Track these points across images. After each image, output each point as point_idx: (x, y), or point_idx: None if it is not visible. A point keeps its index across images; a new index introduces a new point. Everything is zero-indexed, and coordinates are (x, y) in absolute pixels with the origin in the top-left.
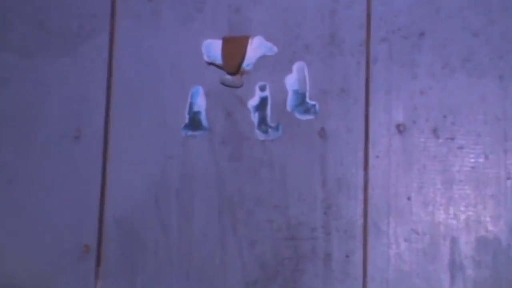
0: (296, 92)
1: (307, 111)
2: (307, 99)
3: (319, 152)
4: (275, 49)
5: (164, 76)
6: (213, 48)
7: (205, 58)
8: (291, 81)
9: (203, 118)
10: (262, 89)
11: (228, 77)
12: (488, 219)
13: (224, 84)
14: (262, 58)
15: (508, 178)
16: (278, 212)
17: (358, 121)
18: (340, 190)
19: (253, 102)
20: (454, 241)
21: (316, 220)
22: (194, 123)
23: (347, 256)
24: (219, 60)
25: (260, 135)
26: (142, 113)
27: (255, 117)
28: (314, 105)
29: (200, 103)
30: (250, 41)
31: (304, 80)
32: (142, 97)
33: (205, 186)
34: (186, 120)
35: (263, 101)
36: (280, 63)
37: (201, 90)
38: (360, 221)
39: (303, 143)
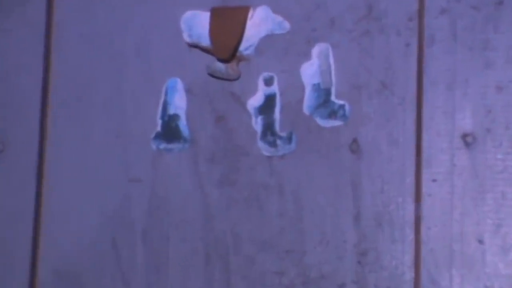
0: (317, 88)
1: (332, 114)
2: (333, 98)
3: (350, 174)
4: (287, 25)
5: (126, 63)
6: (198, 24)
7: (186, 37)
8: (310, 72)
9: (182, 124)
10: (268, 83)
11: (219, 65)
12: None
13: (213, 75)
14: (268, 39)
15: None
16: (291, 261)
17: (407, 129)
18: (380, 229)
19: (255, 101)
20: None
21: (345, 272)
22: (169, 131)
23: None
24: (206, 41)
25: (265, 149)
26: (93, 117)
27: (257, 124)
28: (342, 106)
29: (179, 103)
30: (250, 13)
31: (329, 70)
32: (93, 94)
33: (185, 223)
34: (158, 128)
35: (270, 101)
36: (294, 45)
37: (179, 84)
38: (409, 275)
39: (327, 161)
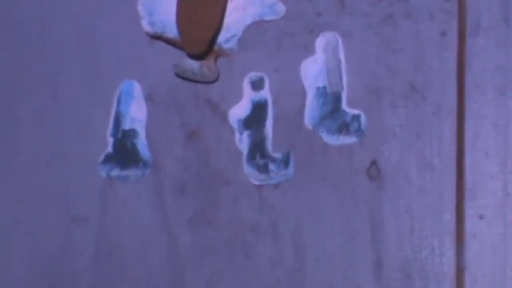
0: (322, 92)
1: (344, 128)
2: (344, 106)
3: (368, 208)
4: (281, 8)
5: (63, 62)
6: (161, 8)
7: (145, 26)
8: (312, 71)
9: (141, 143)
10: (257, 86)
11: (191, 63)
12: None
13: (182, 76)
14: (257, 27)
15: None
16: None
17: (444, 148)
18: (409, 283)
19: (239, 111)
20: None
21: None
22: (124, 153)
23: None
24: (172, 31)
25: (253, 177)
26: (20, 134)
27: (243, 142)
28: (357, 117)
29: (136, 115)
30: None
31: (338, 68)
32: (21, 103)
33: (145, 276)
34: (109, 148)
35: (259, 110)
36: (291, 36)
37: (137, 90)
38: None
39: (337, 191)
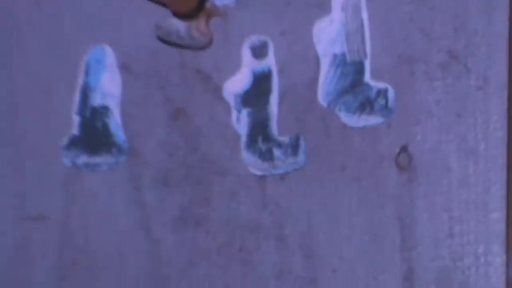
0: (341, 61)
1: (367, 106)
2: (367, 78)
3: (396, 205)
4: None
5: (16, 23)
6: None
7: None
8: (328, 35)
9: (114, 124)
10: (259, 53)
11: (176, 23)
12: None
13: (166, 40)
14: None
15: None
16: None
17: (492, 131)
18: None
19: (237, 85)
20: None
21: None
22: (93, 136)
23: None
24: None
25: (254, 165)
26: None
27: (241, 122)
28: (383, 93)
29: (108, 89)
30: None
31: (360, 30)
32: None
33: (120, 287)
34: (75, 130)
35: (262, 83)
36: None
37: (109, 57)
38: None
39: (358, 184)
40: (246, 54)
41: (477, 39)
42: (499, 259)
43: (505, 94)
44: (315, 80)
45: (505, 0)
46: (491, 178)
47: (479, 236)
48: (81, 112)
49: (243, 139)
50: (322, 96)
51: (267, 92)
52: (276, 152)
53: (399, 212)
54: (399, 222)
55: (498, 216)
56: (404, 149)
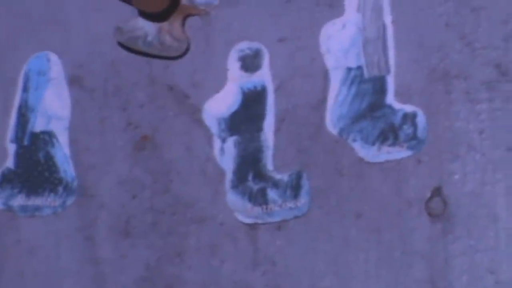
0: (355, 76)
1: (389, 134)
2: (390, 98)
3: (429, 262)
4: None
5: None
6: None
7: None
8: (340, 42)
9: (60, 155)
10: (250, 64)
11: (144, 24)
12: None
13: (129, 46)
14: None
15: None
16: None
17: None
18: None
19: (221, 105)
20: None
21: None
22: (31, 169)
23: None
24: None
25: (242, 210)
26: None
27: (226, 153)
28: (411, 117)
29: (53, 108)
30: None
31: (382, 38)
32: None
33: None
34: (9, 163)
35: (254, 103)
36: None
37: (54, 67)
38: None
39: (380, 236)
40: (233, 66)
41: None
42: None
43: None
44: (322, 100)
45: None
46: None
47: None
48: (17, 139)
49: (228, 176)
50: (332, 121)
51: (260, 115)
52: (271, 193)
53: (431, 273)
54: (431, 283)
55: None
56: (437, 192)
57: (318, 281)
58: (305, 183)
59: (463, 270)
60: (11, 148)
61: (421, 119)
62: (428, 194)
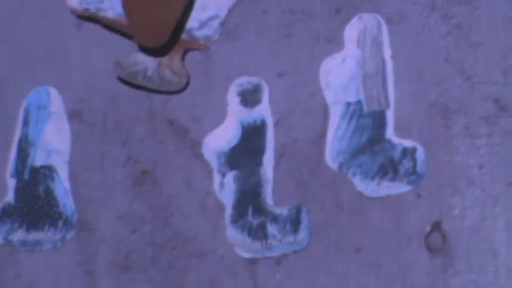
0: (355, 110)
1: (389, 169)
2: (389, 133)
3: None
4: None
5: None
6: None
7: (72, 1)
8: (340, 77)
9: (60, 189)
10: (250, 98)
11: (143, 59)
12: None
13: (129, 80)
14: (251, 2)
15: None
16: None
17: None
18: None
19: (220, 140)
20: None
21: None
22: (32, 204)
23: None
24: (113, 7)
25: (242, 244)
26: None
27: (226, 188)
28: (411, 152)
29: (53, 143)
30: None
31: (381, 72)
32: None
33: None
34: (10, 197)
35: (253, 138)
36: (305, 18)
37: (55, 101)
38: None
39: (379, 271)
40: (233, 101)
41: None
42: None
43: None
44: (322, 135)
45: None
46: None
47: None
48: (17, 174)
49: (228, 210)
50: (331, 156)
51: (259, 149)
52: (271, 228)
53: None
54: None
55: None
56: (437, 226)
57: None
58: (304, 218)
59: None
60: (11, 182)
61: (420, 154)
62: (428, 229)
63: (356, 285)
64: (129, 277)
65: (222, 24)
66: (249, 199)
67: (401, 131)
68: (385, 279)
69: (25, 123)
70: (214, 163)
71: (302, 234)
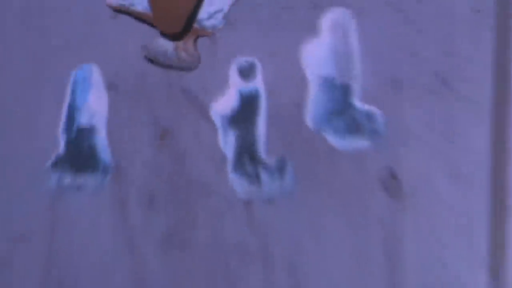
0: (330, 84)
1: (354, 128)
2: (356, 101)
3: (385, 229)
4: None
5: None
6: None
7: None
8: (317, 57)
9: (100, 144)
10: (247, 74)
11: (164, 44)
12: None
13: (153, 59)
14: (246, 1)
15: None
16: None
17: (478, 154)
18: None
19: (224, 106)
20: None
21: None
22: (78, 155)
23: None
24: (142, 2)
25: (241, 188)
26: None
27: (228, 144)
28: (371, 116)
29: (95, 108)
30: None
31: (349, 53)
32: None
33: None
34: (60, 148)
35: (250, 105)
36: (290, 11)
37: (96, 75)
38: None
39: (346, 208)
40: (233, 75)
41: (464, 62)
42: (489, 287)
43: (493, 117)
44: (303, 102)
45: (493, 23)
46: (476, 202)
47: (470, 261)
48: (67, 131)
49: (230, 161)
50: (310, 118)
51: (254, 113)
52: (263, 175)
53: (386, 236)
54: (385, 246)
55: (483, 243)
56: (391, 173)
57: (300, 240)
58: (289, 167)
59: (411, 233)
60: (62, 138)
61: (379, 117)
62: (385, 175)
63: (329, 221)
64: (154, 208)
65: (225, 16)
66: (246, 152)
67: (364, 99)
68: (350, 215)
69: (73, 92)
70: (218, 123)
71: (288, 181)
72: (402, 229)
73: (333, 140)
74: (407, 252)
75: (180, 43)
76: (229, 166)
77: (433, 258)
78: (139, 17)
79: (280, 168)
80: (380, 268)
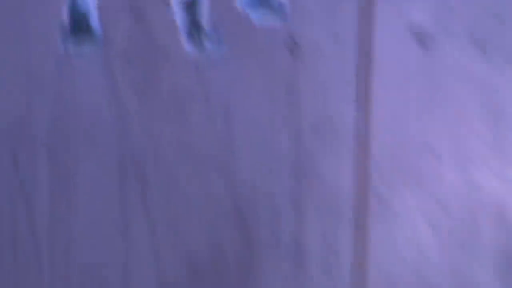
0: None
1: (269, 8)
2: None
3: (287, 78)
4: None
5: None
6: None
7: None
8: None
9: (92, 17)
10: None
11: None
12: None
13: None
14: None
15: None
16: (220, 179)
17: (355, 24)
18: (320, 141)
19: None
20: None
21: (281, 190)
22: (78, 26)
23: (331, 248)
24: None
25: (190, 50)
26: None
27: (181, 19)
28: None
29: None
30: None
31: None
32: None
33: (96, 137)
34: (65, 21)
35: None
36: None
37: None
38: (352, 191)
39: (261, 63)
40: None
41: None
42: (358, 114)
43: None
44: None
45: None
46: (351, 58)
47: (344, 97)
48: (71, 12)
49: (183, 31)
50: (241, 4)
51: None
52: (206, 41)
53: (289, 82)
54: (288, 89)
55: (349, 79)
56: (292, 38)
57: (233, 88)
58: (222, 37)
59: (309, 81)
60: (66, 13)
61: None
62: (287, 37)
63: (245, 83)
64: (138, 74)
65: None
66: (195, 25)
67: None
68: (266, 76)
69: None
70: (176, 4)
71: (223, 43)
72: (299, 77)
73: (255, 16)
74: (302, 91)
75: None
76: (183, 35)
77: (320, 97)
78: None
79: (218, 37)
80: (281, 100)
